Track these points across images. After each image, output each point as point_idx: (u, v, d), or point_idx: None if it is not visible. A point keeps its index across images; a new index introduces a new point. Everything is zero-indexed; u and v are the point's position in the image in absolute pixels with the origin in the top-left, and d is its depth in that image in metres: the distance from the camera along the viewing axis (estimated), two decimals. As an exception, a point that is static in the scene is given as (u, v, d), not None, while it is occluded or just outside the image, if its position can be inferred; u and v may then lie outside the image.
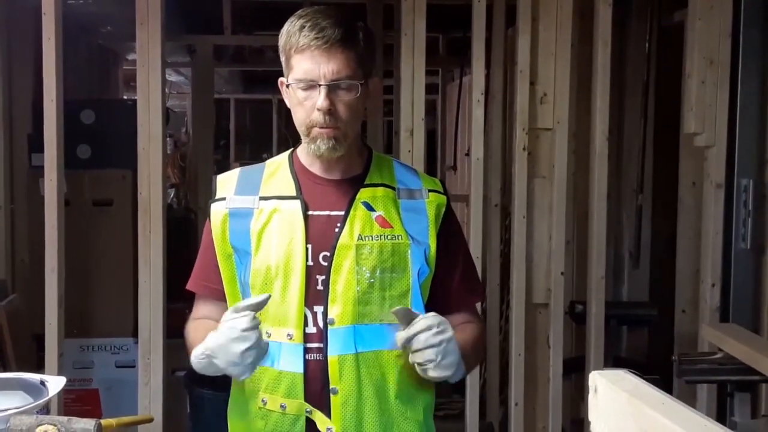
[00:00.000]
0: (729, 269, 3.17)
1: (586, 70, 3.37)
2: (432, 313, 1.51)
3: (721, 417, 2.94)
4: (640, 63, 4.02)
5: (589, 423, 1.10)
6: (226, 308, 1.65)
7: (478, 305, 3.23)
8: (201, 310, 1.71)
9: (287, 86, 1.61)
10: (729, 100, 3.14)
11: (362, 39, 1.59)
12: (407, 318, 1.50)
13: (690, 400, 3.09)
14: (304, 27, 1.55)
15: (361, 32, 1.60)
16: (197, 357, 1.48)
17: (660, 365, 3.38)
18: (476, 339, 1.68)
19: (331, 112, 1.55)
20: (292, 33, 1.57)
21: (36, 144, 3.48)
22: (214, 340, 1.46)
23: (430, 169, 7.28)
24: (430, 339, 1.46)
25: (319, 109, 1.55)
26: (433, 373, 1.48)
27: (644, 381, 1.05)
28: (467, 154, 4.32)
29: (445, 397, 4.27)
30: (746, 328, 2.89)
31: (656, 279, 4.05)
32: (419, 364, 1.49)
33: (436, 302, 1.65)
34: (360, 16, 4.51)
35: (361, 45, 1.58)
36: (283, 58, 1.61)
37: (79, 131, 3.86)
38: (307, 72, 1.55)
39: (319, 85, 1.55)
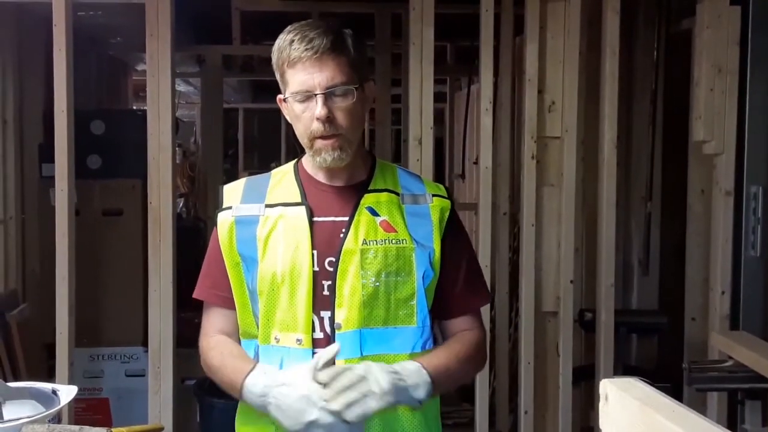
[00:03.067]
0: (739, 277, 3.16)
1: (594, 78, 3.37)
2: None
3: (731, 425, 2.93)
4: (648, 71, 4.01)
5: (599, 431, 1.10)
6: (235, 317, 1.66)
7: (486, 311, 3.26)
8: (212, 321, 1.71)
9: (285, 101, 1.62)
10: (737, 108, 3.14)
11: (352, 45, 1.60)
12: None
13: (700, 408, 3.08)
14: (293, 41, 1.57)
15: (350, 39, 1.61)
16: (253, 395, 1.50)
17: (670, 373, 3.37)
18: (470, 350, 1.67)
19: (329, 119, 1.56)
20: (283, 48, 1.58)
21: (47, 154, 3.50)
22: (284, 396, 1.46)
23: (439, 178, 7.27)
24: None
25: (317, 119, 1.56)
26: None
27: (655, 389, 1.05)
28: (476, 163, 4.33)
29: (455, 405, 4.26)
30: (756, 335, 2.88)
31: (665, 287, 4.04)
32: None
33: (439, 306, 1.66)
34: (368, 25, 4.54)
35: (351, 51, 1.60)
36: (278, 75, 1.63)
37: (90, 141, 3.89)
38: (302, 84, 1.57)
39: (315, 95, 1.56)
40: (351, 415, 1.43)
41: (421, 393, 1.52)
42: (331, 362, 1.47)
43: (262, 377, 1.51)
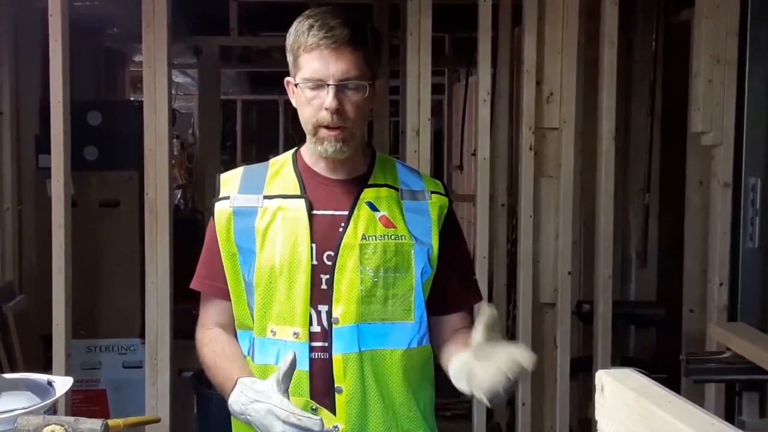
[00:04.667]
0: (737, 268, 3.15)
1: (592, 69, 3.36)
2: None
3: (729, 416, 2.93)
4: (647, 62, 4.01)
5: (596, 423, 1.10)
6: (231, 308, 1.66)
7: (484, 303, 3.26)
8: (208, 311, 1.71)
9: (295, 85, 1.61)
10: (736, 99, 3.13)
11: (370, 39, 1.60)
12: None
13: (698, 399, 3.08)
14: (312, 26, 1.55)
15: (369, 33, 1.60)
16: (234, 412, 1.52)
17: (668, 365, 3.37)
18: None
19: (338, 111, 1.55)
20: (301, 32, 1.57)
21: (43, 145, 3.49)
22: (255, 411, 1.47)
23: (437, 169, 7.27)
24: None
25: (327, 109, 1.55)
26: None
27: (651, 379, 1.05)
28: (474, 154, 4.31)
29: (453, 397, 4.25)
30: (754, 327, 2.87)
31: (664, 278, 4.03)
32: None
33: (434, 302, 1.66)
34: (366, 16, 4.52)
35: (369, 45, 1.59)
36: (290, 58, 1.61)
37: (86, 132, 3.88)
38: (315, 71, 1.55)
39: (328, 85, 1.55)
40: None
41: None
42: (292, 369, 1.46)
43: (239, 396, 1.50)
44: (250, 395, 1.48)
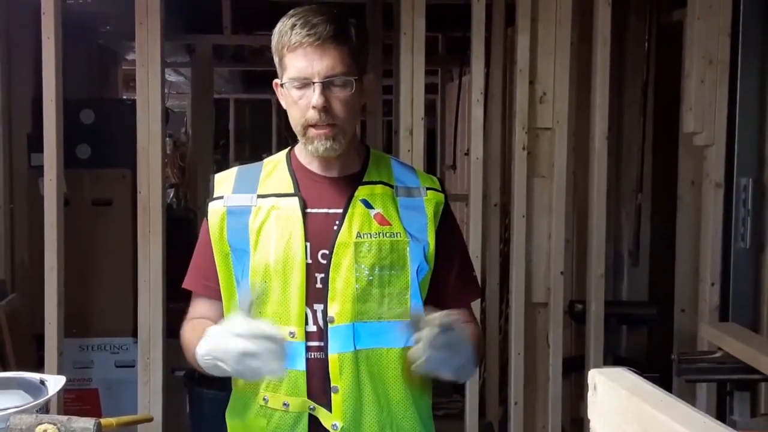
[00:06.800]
0: (728, 268, 3.16)
1: (585, 69, 3.36)
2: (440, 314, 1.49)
3: (720, 416, 2.94)
4: (640, 62, 4.01)
5: (588, 421, 1.10)
6: (221, 307, 1.65)
7: (477, 302, 3.26)
8: (198, 309, 1.70)
9: (282, 86, 1.61)
10: (728, 99, 3.14)
11: (355, 35, 1.59)
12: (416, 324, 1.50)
13: (690, 399, 3.09)
14: (295, 25, 1.55)
15: (353, 28, 1.59)
16: (203, 357, 1.48)
17: (660, 364, 3.38)
18: (476, 340, 1.68)
19: (326, 109, 1.55)
20: (284, 32, 1.56)
21: (35, 144, 3.48)
22: (214, 340, 1.46)
23: (430, 169, 7.27)
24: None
25: (314, 107, 1.54)
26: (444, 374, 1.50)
27: (643, 379, 1.05)
28: (467, 154, 4.32)
29: (445, 396, 4.27)
30: (745, 327, 2.89)
31: (656, 278, 4.04)
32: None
33: (432, 300, 1.65)
34: (359, 15, 4.52)
35: (353, 41, 1.58)
36: (276, 59, 1.61)
37: (79, 131, 3.86)
38: (300, 70, 1.55)
39: (313, 83, 1.54)
40: None
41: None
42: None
43: (205, 342, 1.48)
44: (213, 334, 1.47)
